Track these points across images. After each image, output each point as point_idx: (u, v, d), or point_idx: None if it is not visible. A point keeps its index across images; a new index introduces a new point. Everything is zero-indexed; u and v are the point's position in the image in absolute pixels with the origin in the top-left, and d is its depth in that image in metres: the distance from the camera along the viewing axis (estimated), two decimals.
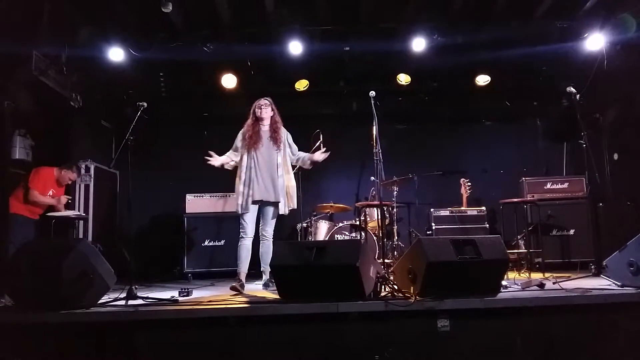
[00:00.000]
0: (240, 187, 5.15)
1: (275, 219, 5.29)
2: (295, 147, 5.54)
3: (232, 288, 4.74)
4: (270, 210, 5.25)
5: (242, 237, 5.10)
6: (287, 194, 5.26)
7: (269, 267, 5.08)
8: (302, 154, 5.53)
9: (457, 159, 8.25)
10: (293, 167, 5.54)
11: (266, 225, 5.26)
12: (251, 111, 5.36)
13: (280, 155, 5.29)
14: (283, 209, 5.22)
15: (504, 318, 3.81)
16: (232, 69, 7.35)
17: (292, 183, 5.37)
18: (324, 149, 5.49)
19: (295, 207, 5.39)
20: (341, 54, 7.17)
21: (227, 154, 5.35)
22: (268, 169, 5.21)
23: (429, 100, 8.32)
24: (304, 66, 7.38)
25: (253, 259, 5.20)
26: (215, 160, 5.25)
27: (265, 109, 5.30)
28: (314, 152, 6.17)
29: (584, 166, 5.50)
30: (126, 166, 4.74)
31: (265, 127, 5.32)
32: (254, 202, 5.13)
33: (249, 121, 5.35)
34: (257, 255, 5.25)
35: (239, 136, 5.35)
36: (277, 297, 4.16)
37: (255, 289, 5.20)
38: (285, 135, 5.42)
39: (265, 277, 5.31)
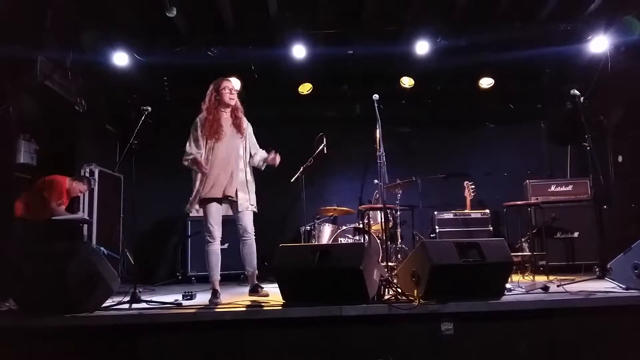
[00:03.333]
0: (197, 183, 4.61)
1: (251, 215, 4.74)
2: (254, 140, 4.95)
3: (214, 304, 4.29)
4: (239, 206, 4.68)
5: (209, 242, 4.59)
6: (249, 188, 4.75)
7: (254, 269, 4.73)
8: (260, 152, 4.92)
9: (460, 161, 8.23)
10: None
11: (242, 222, 4.69)
12: (211, 93, 4.74)
13: (241, 147, 4.77)
14: (244, 206, 4.66)
15: (508, 321, 3.79)
16: (236, 73, 7.36)
17: (252, 178, 4.85)
18: (274, 153, 4.86)
19: (255, 206, 4.81)
20: (344, 57, 7.16)
21: (193, 151, 4.67)
22: (229, 162, 4.66)
23: (433, 103, 8.31)
24: (308, 70, 7.38)
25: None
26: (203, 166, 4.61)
27: (234, 95, 4.76)
28: (317, 155, 6.19)
29: (588, 169, 5.50)
30: (130, 170, 4.77)
31: (226, 113, 4.77)
32: (208, 200, 4.59)
33: (207, 104, 4.71)
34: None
35: (197, 124, 4.70)
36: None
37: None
38: (246, 124, 4.88)
39: (252, 281, 4.80)
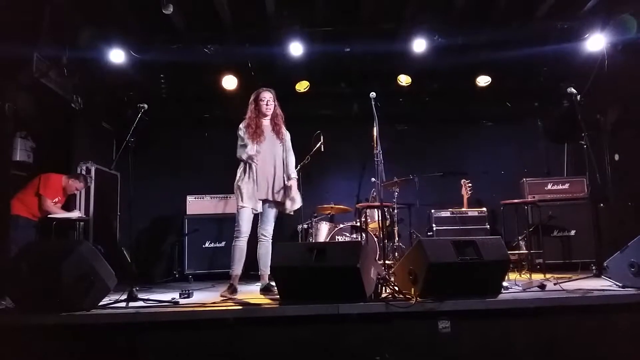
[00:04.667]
0: (244, 182, 4.88)
1: (275, 219, 5.08)
2: (289, 146, 5.23)
3: (223, 296, 4.57)
4: (272, 209, 5.03)
5: (237, 238, 4.83)
6: (288, 193, 5.02)
7: (268, 269, 4.87)
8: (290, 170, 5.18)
9: (457, 159, 8.25)
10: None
11: (266, 224, 5.01)
12: (252, 102, 5.10)
13: (281, 151, 5.10)
14: (290, 207, 5.03)
15: (505, 319, 3.80)
16: (232, 70, 7.36)
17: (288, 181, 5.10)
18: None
19: (300, 206, 5.15)
20: (342, 55, 7.15)
21: (242, 154, 4.93)
22: (272, 165, 5.01)
23: (430, 101, 8.31)
24: (305, 67, 7.38)
25: (254, 260, 5.04)
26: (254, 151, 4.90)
27: (270, 105, 5.07)
28: (314, 153, 6.19)
29: (585, 167, 5.49)
30: (127, 168, 4.75)
31: (266, 120, 5.10)
32: (259, 200, 4.91)
33: (250, 114, 5.07)
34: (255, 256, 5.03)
35: (242, 129, 5.02)
36: (277, 300, 4.16)
37: (255, 290, 5.11)
38: (286, 133, 5.22)
39: (264, 281, 4.97)
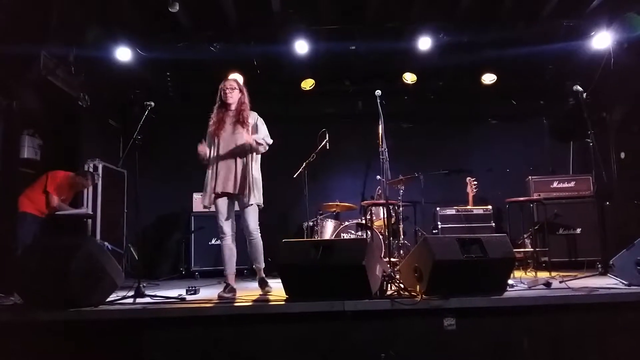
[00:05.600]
0: (206, 180, 4.67)
1: (254, 213, 4.64)
2: (263, 133, 4.77)
3: (220, 297, 4.34)
4: (241, 203, 4.67)
5: (221, 237, 4.66)
6: (249, 184, 4.60)
7: (261, 264, 4.74)
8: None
9: (463, 157, 8.24)
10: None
11: (243, 221, 4.64)
12: (218, 94, 4.80)
13: (242, 140, 4.65)
14: (244, 202, 4.60)
15: (510, 317, 3.80)
16: (238, 68, 7.37)
17: (257, 174, 4.74)
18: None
19: (261, 202, 4.73)
20: (347, 53, 7.17)
21: (202, 150, 4.70)
22: (231, 157, 4.65)
23: (435, 99, 8.32)
24: (310, 65, 7.40)
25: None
26: (202, 149, 4.66)
27: (231, 93, 4.71)
28: (319, 151, 6.20)
29: (591, 165, 5.49)
30: (134, 165, 4.78)
31: (231, 111, 4.75)
32: (218, 196, 4.63)
33: (215, 106, 4.80)
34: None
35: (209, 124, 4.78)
36: (281, 295, 4.18)
37: (256, 286, 4.99)
38: (254, 119, 4.80)
39: (260, 275, 4.79)
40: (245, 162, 4.67)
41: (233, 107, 4.75)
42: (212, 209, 4.71)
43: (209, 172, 4.69)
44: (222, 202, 4.68)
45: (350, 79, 8.00)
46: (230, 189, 4.63)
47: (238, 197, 4.68)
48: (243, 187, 4.63)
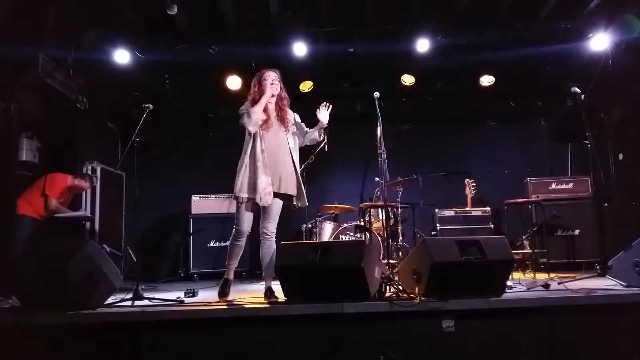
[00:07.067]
0: (257, 173, 4.24)
1: (278, 215, 4.47)
2: (303, 125, 4.67)
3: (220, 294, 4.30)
4: (276, 204, 4.41)
5: (239, 236, 4.34)
6: (301, 185, 4.46)
7: (271, 271, 4.35)
8: (311, 130, 4.67)
9: (461, 159, 8.25)
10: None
11: (268, 221, 4.36)
12: (257, 83, 4.50)
13: (290, 140, 4.50)
14: (297, 202, 4.47)
15: (509, 319, 3.81)
16: (237, 70, 7.37)
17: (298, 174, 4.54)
18: (326, 105, 4.68)
19: (306, 203, 4.57)
20: (345, 55, 7.17)
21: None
22: (278, 155, 4.38)
23: (433, 100, 8.33)
24: (309, 67, 7.39)
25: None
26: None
27: (276, 84, 4.47)
28: (318, 153, 6.19)
29: (589, 166, 5.51)
30: (132, 167, 4.78)
31: (271, 104, 4.48)
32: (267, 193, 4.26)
33: (255, 96, 4.45)
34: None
35: (246, 108, 4.40)
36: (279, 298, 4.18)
37: (260, 289, 4.91)
38: (292, 116, 4.63)
39: (267, 284, 4.39)
40: (294, 161, 4.49)
41: (273, 100, 4.51)
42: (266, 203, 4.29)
43: (250, 163, 4.29)
44: (277, 204, 4.41)
45: (349, 80, 8.00)
46: (292, 191, 4.43)
47: (291, 198, 4.47)
48: (300, 188, 4.49)
